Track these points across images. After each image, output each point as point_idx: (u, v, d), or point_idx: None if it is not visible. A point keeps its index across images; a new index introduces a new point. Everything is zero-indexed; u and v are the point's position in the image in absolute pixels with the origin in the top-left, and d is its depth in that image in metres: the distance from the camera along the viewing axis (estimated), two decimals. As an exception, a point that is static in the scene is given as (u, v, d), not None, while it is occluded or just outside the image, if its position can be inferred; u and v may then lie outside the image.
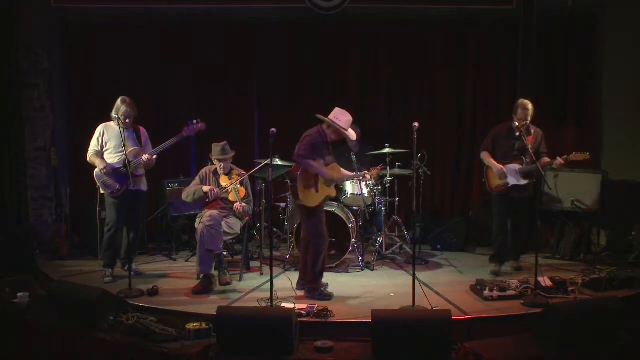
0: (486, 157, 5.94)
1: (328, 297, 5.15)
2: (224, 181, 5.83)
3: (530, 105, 5.70)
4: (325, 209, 6.09)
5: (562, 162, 5.57)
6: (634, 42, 6.69)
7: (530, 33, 6.82)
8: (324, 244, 5.28)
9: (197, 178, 5.95)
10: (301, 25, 7.54)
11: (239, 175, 5.84)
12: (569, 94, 7.38)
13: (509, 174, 5.77)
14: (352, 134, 5.30)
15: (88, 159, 5.72)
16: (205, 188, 5.74)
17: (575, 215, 6.69)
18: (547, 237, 7.04)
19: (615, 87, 6.97)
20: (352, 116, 5.33)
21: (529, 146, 5.61)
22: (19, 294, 4.99)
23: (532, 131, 5.79)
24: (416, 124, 4.89)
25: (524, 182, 5.76)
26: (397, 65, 7.62)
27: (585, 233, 6.61)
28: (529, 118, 5.69)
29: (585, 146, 7.26)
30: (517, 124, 5.63)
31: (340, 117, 5.24)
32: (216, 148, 5.82)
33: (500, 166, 5.81)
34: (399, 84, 7.66)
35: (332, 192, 5.39)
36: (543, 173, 5.48)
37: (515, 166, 5.76)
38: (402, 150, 6.53)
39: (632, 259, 6.11)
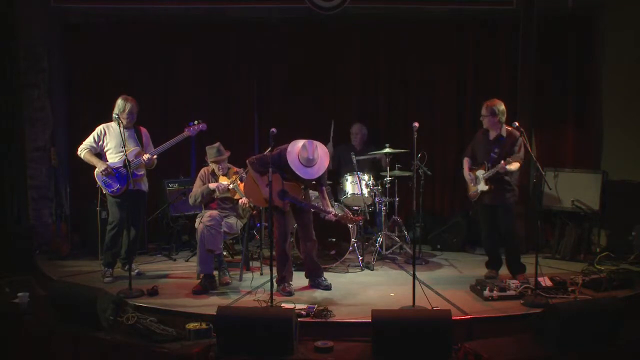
0: (464, 164, 5.89)
1: (288, 294, 5.22)
2: (222, 181, 5.82)
3: (490, 104, 5.53)
4: (325, 209, 6.14)
5: (504, 163, 5.35)
6: (634, 42, 6.68)
7: (530, 33, 6.81)
8: (278, 244, 5.31)
9: (199, 180, 5.95)
10: (301, 25, 7.54)
11: (236, 173, 5.83)
12: (569, 94, 7.37)
13: (478, 179, 5.65)
14: (303, 171, 5.13)
15: (82, 156, 5.71)
16: (212, 185, 5.74)
17: (575, 215, 6.69)
18: (547, 237, 7.04)
19: (615, 87, 6.96)
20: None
21: (495, 151, 5.53)
22: (19, 294, 4.98)
23: (504, 135, 5.54)
24: (416, 124, 4.89)
25: (485, 187, 5.55)
26: (396, 65, 7.62)
27: (585, 233, 6.61)
28: (490, 116, 5.52)
29: (585, 146, 7.31)
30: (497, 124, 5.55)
31: (302, 153, 5.12)
32: (211, 150, 5.82)
33: (467, 172, 5.75)
34: (399, 84, 7.65)
35: (280, 205, 5.25)
36: (543, 173, 5.44)
37: (481, 172, 5.63)
38: (402, 150, 6.53)
39: (632, 259, 6.11)
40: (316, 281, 5.47)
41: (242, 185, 5.78)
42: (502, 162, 5.35)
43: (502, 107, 5.55)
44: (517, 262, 5.68)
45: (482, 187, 5.59)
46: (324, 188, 5.55)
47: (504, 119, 5.56)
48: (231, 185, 5.74)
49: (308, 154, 5.12)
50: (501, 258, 5.84)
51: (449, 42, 7.54)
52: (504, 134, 5.55)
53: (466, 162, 5.86)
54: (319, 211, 5.49)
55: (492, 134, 5.65)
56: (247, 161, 5.43)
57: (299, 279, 5.58)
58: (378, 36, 7.60)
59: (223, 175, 5.86)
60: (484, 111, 5.60)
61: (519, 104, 6.90)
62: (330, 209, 5.49)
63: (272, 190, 4.93)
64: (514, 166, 5.47)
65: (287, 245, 5.39)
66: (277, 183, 5.14)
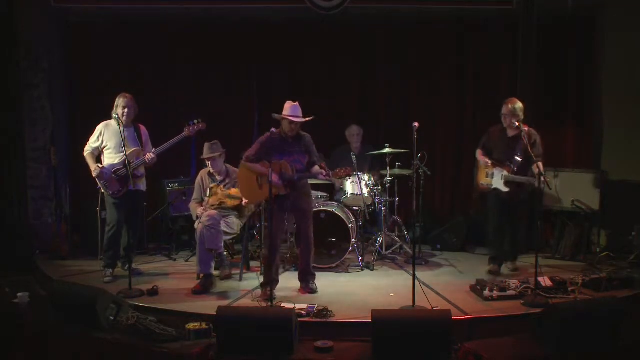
0: (477, 154, 5.96)
1: (265, 301, 4.85)
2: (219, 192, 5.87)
3: (512, 103, 5.65)
4: (325, 209, 6.13)
5: (537, 183, 5.37)
6: (634, 42, 6.68)
7: (530, 33, 6.81)
8: (268, 243, 5.23)
9: (196, 185, 6.08)
10: (301, 25, 7.54)
11: (225, 187, 5.89)
12: (569, 94, 7.37)
13: (495, 176, 5.74)
14: (294, 118, 5.28)
15: (84, 154, 5.75)
16: (198, 211, 5.81)
17: (575, 215, 6.69)
18: (547, 237, 7.03)
19: (615, 87, 6.96)
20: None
21: (518, 154, 5.61)
22: (19, 294, 4.99)
23: (524, 134, 5.59)
24: (416, 124, 4.90)
25: (505, 189, 5.68)
26: (397, 65, 7.62)
27: (585, 233, 6.61)
28: (513, 116, 5.62)
29: (585, 146, 7.32)
30: (517, 123, 5.60)
31: (285, 107, 5.32)
32: (205, 148, 5.88)
33: (486, 159, 5.79)
34: (399, 84, 7.66)
35: (280, 190, 5.19)
36: (543, 173, 5.45)
37: (503, 171, 5.70)
38: (402, 150, 6.52)
39: (632, 259, 6.11)
40: (305, 285, 5.40)
41: (233, 190, 5.82)
42: (535, 180, 5.33)
43: (521, 105, 5.69)
44: (514, 251, 5.90)
45: (502, 187, 5.69)
46: (317, 165, 5.44)
47: (522, 117, 5.66)
48: (225, 197, 5.79)
49: (291, 107, 5.29)
50: (506, 253, 5.93)
51: (448, 42, 7.55)
52: (523, 134, 5.57)
53: (480, 152, 5.92)
54: (310, 177, 5.44)
55: (511, 132, 5.73)
56: (242, 161, 5.37)
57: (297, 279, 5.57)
58: (378, 36, 7.61)
59: (216, 173, 5.95)
60: (505, 110, 5.70)
61: (519, 104, 6.90)
62: (319, 171, 5.34)
63: (271, 177, 4.99)
64: (541, 169, 5.49)
65: (275, 250, 5.26)
66: (271, 168, 5.17)
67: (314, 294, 5.29)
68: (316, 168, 5.38)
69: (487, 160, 5.80)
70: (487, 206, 6.00)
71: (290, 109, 5.29)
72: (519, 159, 5.64)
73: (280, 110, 7.45)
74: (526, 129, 5.60)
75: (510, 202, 5.81)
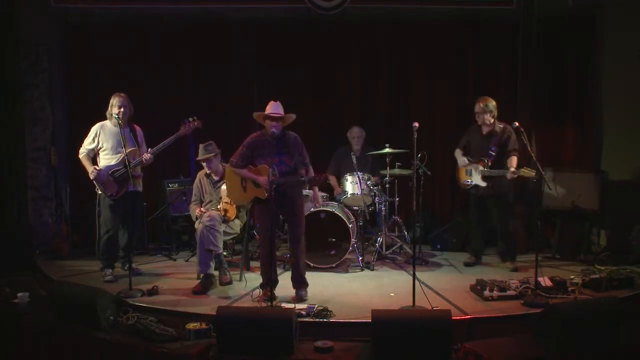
0: (456, 153, 6.22)
1: (265, 302, 4.85)
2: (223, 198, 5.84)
3: (484, 101, 5.89)
4: (325, 209, 6.13)
5: (512, 174, 5.69)
6: (634, 42, 6.68)
7: (530, 33, 6.82)
8: (262, 248, 5.23)
9: (195, 188, 6.08)
10: (301, 25, 7.54)
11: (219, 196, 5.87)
12: (569, 94, 7.38)
13: (474, 173, 6.00)
14: (273, 113, 5.16)
15: (80, 157, 5.73)
16: (197, 213, 5.83)
17: (575, 215, 6.68)
18: (547, 237, 7.04)
19: (615, 87, 6.96)
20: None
21: (492, 149, 5.86)
22: (19, 294, 4.98)
23: (498, 131, 5.91)
24: (416, 124, 4.91)
25: (483, 184, 5.92)
26: (397, 65, 7.63)
27: (585, 233, 6.61)
28: (485, 113, 5.86)
29: (585, 146, 7.32)
30: (492, 120, 5.87)
31: (267, 107, 5.22)
32: (200, 149, 5.90)
33: (464, 159, 6.08)
34: (399, 84, 7.66)
35: (261, 194, 5.14)
36: (543, 173, 5.46)
37: (478, 167, 5.95)
38: (402, 150, 6.53)
39: (632, 259, 6.11)
40: (297, 292, 5.18)
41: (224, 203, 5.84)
42: (510, 172, 5.68)
43: (494, 103, 5.93)
44: (510, 250, 6.10)
45: (480, 182, 5.96)
46: (302, 168, 5.33)
47: (496, 114, 5.91)
48: (223, 205, 5.78)
49: (273, 105, 5.19)
50: (483, 248, 6.32)
51: (448, 42, 7.55)
52: (497, 130, 5.91)
53: (459, 151, 6.20)
54: (293, 184, 5.24)
55: (485, 129, 5.97)
56: (229, 165, 5.33)
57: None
58: (378, 36, 7.61)
59: (213, 173, 5.93)
60: (477, 108, 5.95)
61: (519, 104, 6.91)
62: (303, 178, 5.22)
63: (261, 182, 5.01)
64: (515, 162, 5.81)
65: (272, 249, 5.13)
66: (256, 173, 5.17)
67: (301, 302, 5.04)
68: (300, 172, 5.28)
69: (466, 160, 6.07)
70: (469, 203, 6.32)
71: (272, 108, 5.19)
72: (493, 153, 5.88)
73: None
74: (501, 125, 5.88)
75: (489, 199, 6.02)
